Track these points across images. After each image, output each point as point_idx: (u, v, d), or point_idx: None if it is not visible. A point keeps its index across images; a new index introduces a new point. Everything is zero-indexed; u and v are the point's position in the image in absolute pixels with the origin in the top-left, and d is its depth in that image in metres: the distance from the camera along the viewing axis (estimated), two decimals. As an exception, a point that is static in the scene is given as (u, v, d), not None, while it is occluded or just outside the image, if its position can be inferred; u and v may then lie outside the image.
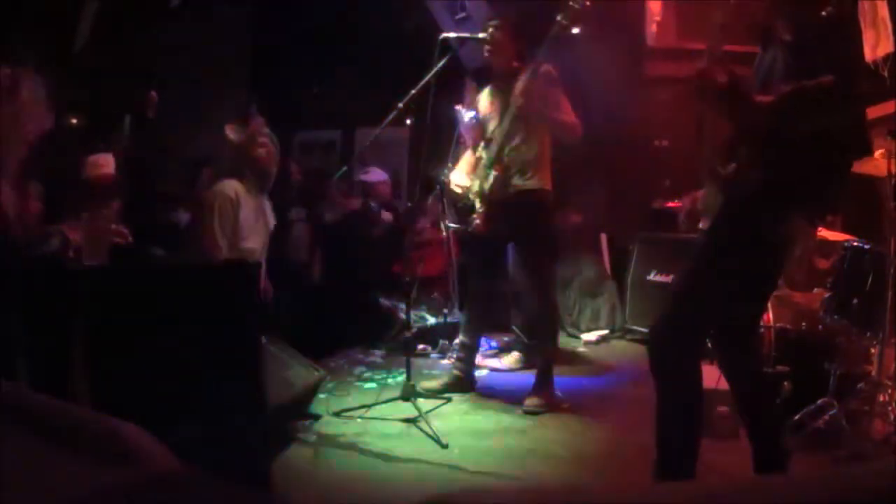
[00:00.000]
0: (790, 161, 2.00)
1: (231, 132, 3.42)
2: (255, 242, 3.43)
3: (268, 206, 3.58)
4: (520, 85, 3.49)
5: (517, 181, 3.63)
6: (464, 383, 3.90)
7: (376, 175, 6.19)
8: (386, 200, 6.18)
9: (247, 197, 3.40)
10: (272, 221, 3.62)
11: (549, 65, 3.55)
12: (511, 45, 3.64)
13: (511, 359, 4.66)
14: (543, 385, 3.67)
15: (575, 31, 3.38)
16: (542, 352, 3.81)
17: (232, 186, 3.37)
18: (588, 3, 3.30)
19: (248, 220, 3.40)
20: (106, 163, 3.32)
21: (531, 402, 3.56)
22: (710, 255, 2.18)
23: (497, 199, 3.63)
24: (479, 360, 4.79)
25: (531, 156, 3.63)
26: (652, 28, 5.76)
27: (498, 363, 4.58)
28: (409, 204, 4.91)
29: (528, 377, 4.14)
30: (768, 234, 2.08)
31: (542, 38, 3.48)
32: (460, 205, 3.88)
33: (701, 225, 4.10)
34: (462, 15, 5.85)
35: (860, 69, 2.19)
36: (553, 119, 3.58)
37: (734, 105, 2.05)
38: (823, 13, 1.94)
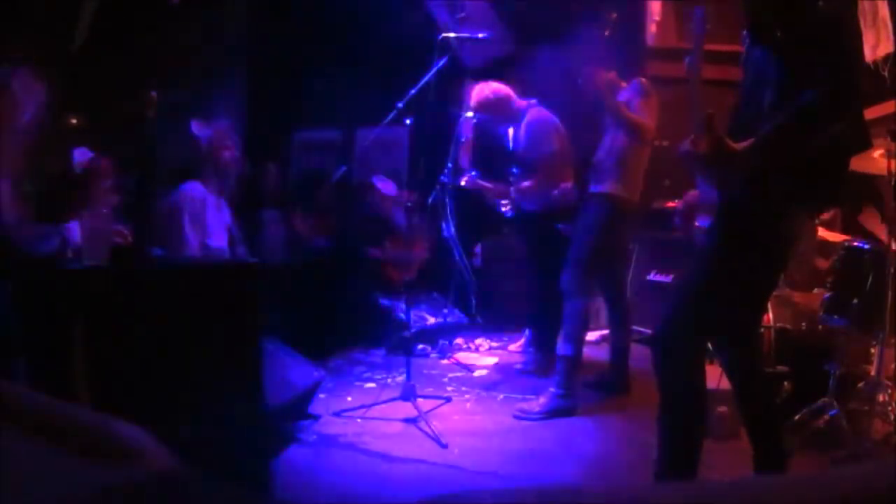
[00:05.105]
0: (788, 158, 1.99)
1: (198, 129, 3.44)
2: (221, 241, 3.49)
3: (225, 206, 3.62)
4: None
5: (591, 187, 3.79)
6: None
7: (388, 188, 5.84)
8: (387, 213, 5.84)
9: (209, 197, 3.45)
10: (228, 221, 3.66)
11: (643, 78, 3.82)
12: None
13: (515, 344, 4.96)
14: (557, 386, 3.52)
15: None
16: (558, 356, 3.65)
17: (196, 187, 3.42)
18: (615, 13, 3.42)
19: (214, 220, 3.46)
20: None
21: (528, 405, 3.50)
22: (713, 254, 2.18)
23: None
24: (477, 358, 4.80)
25: (610, 164, 3.75)
26: (652, 28, 5.75)
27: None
28: (409, 204, 4.89)
29: (530, 377, 4.14)
30: (769, 231, 2.07)
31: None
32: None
33: (697, 223, 4.11)
34: (462, 15, 5.85)
35: (859, 66, 2.14)
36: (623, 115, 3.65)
37: (723, 166, 2.00)
38: (817, 7, 1.89)
